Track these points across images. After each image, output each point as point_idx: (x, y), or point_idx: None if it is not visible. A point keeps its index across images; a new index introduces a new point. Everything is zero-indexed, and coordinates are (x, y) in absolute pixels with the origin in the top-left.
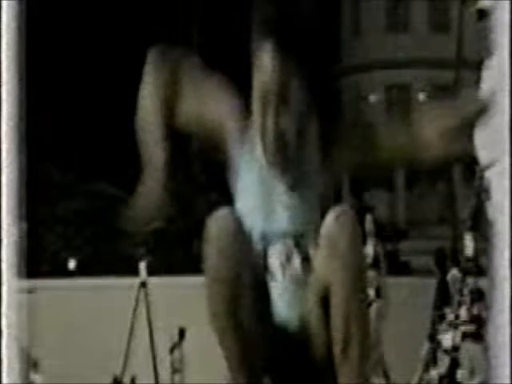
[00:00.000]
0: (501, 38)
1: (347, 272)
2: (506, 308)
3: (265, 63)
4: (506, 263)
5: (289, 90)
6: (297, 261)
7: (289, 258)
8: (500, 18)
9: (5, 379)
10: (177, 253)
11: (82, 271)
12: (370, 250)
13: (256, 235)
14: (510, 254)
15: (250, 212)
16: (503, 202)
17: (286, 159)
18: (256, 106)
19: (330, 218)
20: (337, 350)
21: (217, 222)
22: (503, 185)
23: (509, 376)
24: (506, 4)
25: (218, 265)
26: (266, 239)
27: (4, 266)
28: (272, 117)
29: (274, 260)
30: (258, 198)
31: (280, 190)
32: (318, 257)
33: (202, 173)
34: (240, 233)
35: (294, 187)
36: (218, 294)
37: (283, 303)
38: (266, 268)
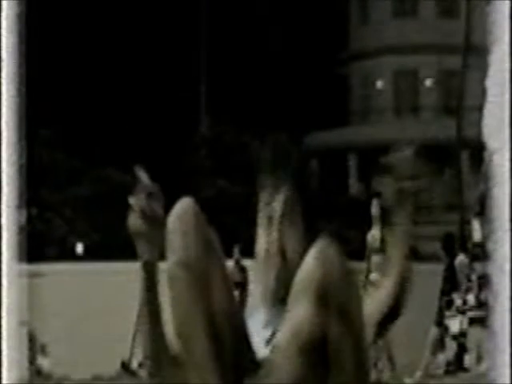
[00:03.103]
0: (501, 32)
1: (347, 322)
2: (506, 293)
3: (268, 196)
4: (506, 249)
5: (293, 214)
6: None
7: (274, 334)
8: (500, 12)
9: (5, 362)
10: None
11: (90, 256)
12: (376, 234)
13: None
14: (511, 239)
15: (252, 330)
16: (503, 190)
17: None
18: (261, 229)
19: (311, 258)
20: None
21: (178, 211)
22: (503, 173)
23: (509, 362)
24: (506, 4)
25: (181, 249)
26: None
27: (4, 250)
28: (276, 239)
29: (259, 341)
30: (261, 322)
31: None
32: (302, 307)
33: (209, 158)
34: (200, 221)
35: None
36: (182, 279)
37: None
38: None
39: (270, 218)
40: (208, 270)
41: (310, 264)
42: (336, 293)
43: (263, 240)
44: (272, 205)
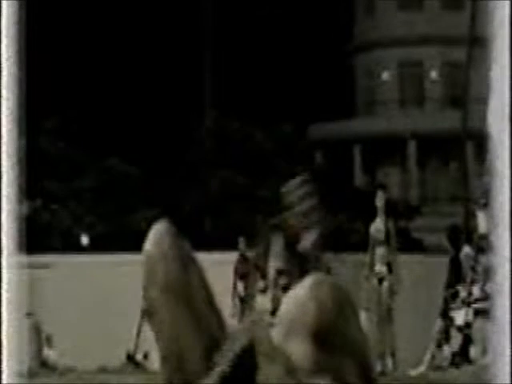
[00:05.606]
0: (502, 27)
1: (348, 353)
2: (506, 285)
3: (263, 250)
4: (507, 242)
5: (289, 271)
6: None
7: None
8: (501, 6)
9: (5, 349)
10: (189, 230)
11: (95, 247)
12: (381, 225)
13: None
14: (511, 233)
15: None
16: (504, 183)
17: None
18: (260, 286)
19: (305, 297)
20: None
21: (155, 237)
22: (503, 166)
23: (509, 355)
24: (506, 3)
25: (162, 275)
26: None
27: (5, 242)
28: (271, 306)
29: None
30: None
31: None
32: (298, 345)
33: (214, 150)
34: (176, 240)
35: None
36: (167, 304)
37: None
38: None
39: (264, 275)
40: (189, 285)
41: (305, 302)
42: (333, 330)
43: (260, 298)
44: (267, 263)
